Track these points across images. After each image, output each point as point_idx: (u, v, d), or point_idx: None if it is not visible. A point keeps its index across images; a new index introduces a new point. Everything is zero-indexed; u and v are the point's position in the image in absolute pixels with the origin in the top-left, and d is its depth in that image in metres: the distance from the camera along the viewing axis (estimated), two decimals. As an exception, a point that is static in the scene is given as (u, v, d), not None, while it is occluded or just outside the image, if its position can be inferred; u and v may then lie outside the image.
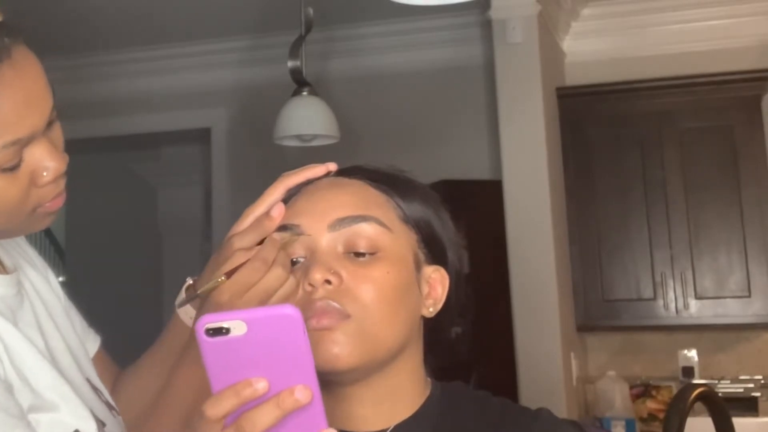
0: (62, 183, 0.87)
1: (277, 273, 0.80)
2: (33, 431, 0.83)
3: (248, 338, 0.61)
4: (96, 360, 1.05)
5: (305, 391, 0.62)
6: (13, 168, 0.81)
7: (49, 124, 0.84)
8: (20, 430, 0.81)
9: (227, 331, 0.61)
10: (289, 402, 0.62)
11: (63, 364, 0.94)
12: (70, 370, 0.94)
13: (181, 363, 0.87)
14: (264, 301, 0.80)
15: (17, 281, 0.95)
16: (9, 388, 0.84)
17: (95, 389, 0.98)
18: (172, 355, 1.00)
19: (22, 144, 0.80)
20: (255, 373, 0.62)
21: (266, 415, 0.62)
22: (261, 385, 0.62)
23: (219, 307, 0.81)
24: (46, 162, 0.84)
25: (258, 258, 0.81)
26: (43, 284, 1.01)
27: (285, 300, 0.81)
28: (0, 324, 0.87)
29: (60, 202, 0.88)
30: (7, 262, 0.97)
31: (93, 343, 1.08)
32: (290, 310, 0.61)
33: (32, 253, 1.04)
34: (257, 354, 0.62)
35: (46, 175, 0.84)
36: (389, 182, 0.88)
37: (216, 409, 0.63)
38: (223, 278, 0.81)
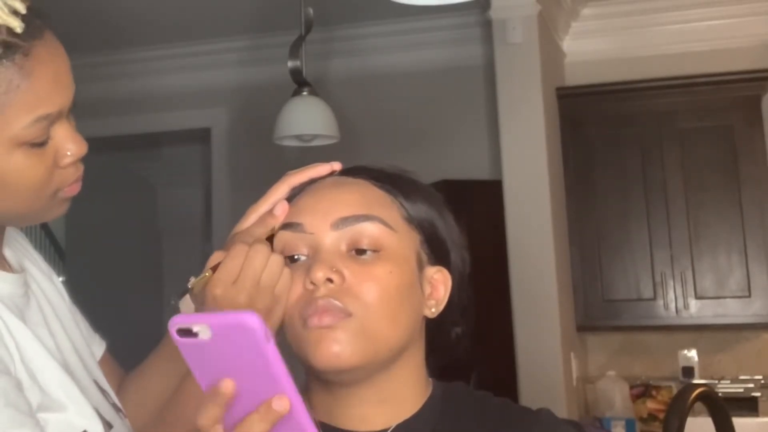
0: (81, 168, 0.90)
1: (258, 248, 0.82)
2: (41, 429, 0.83)
3: (215, 342, 0.61)
4: (102, 363, 1.06)
5: (281, 401, 0.63)
6: (42, 144, 0.84)
7: (69, 111, 0.88)
8: (29, 427, 0.81)
9: (195, 333, 0.61)
10: (271, 414, 0.63)
11: (71, 365, 0.94)
12: (77, 371, 0.95)
13: (188, 372, 0.87)
14: (255, 281, 0.81)
15: (24, 281, 0.95)
16: (19, 385, 0.84)
17: (102, 391, 0.98)
18: (177, 354, 1.00)
19: (51, 120, 0.84)
20: (230, 375, 0.63)
21: (256, 428, 0.63)
22: (228, 388, 0.63)
23: (214, 300, 0.82)
24: (69, 143, 0.87)
25: (236, 242, 0.83)
26: (49, 285, 1.02)
27: (276, 279, 0.82)
28: (11, 321, 0.88)
29: (77, 188, 0.91)
30: (14, 263, 0.97)
31: (99, 347, 1.09)
32: (249, 319, 0.60)
33: (37, 256, 1.05)
34: (228, 357, 0.62)
35: (69, 156, 0.87)
36: (393, 182, 0.88)
37: (204, 417, 0.64)
38: (209, 272, 0.83)
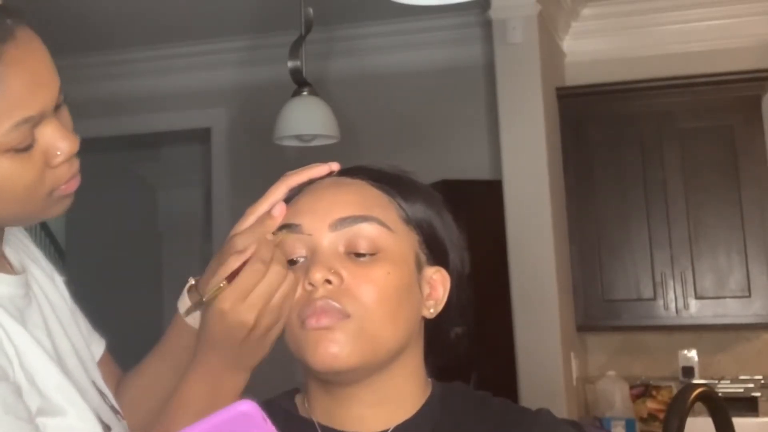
0: (76, 164, 0.88)
1: (276, 270, 0.80)
2: None
3: None
4: (101, 364, 1.05)
5: None
6: (27, 149, 0.82)
7: (57, 108, 0.85)
8: None
9: None
10: None
11: (69, 367, 0.93)
12: (76, 373, 0.94)
13: (189, 372, 0.86)
14: (267, 300, 0.79)
15: (25, 282, 0.94)
16: (18, 391, 0.83)
17: (101, 393, 0.97)
18: (176, 354, 0.99)
19: (33, 123, 0.81)
20: None
21: None
22: None
23: (221, 314, 0.79)
24: (58, 142, 0.85)
25: (256, 260, 0.80)
26: (50, 285, 1.01)
27: (287, 298, 0.80)
28: (10, 325, 0.87)
29: (75, 184, 0.89)
30: (15, 262, 0.96)
31: (98, 346, 1.08)
32: (245, 406, 0.59)
33: (38, 254, 1.04)
34: None
35: (60, 155, 0.85)
36: (392, 182, 0.88)
37: None
38: (224, 283, 0.80)
